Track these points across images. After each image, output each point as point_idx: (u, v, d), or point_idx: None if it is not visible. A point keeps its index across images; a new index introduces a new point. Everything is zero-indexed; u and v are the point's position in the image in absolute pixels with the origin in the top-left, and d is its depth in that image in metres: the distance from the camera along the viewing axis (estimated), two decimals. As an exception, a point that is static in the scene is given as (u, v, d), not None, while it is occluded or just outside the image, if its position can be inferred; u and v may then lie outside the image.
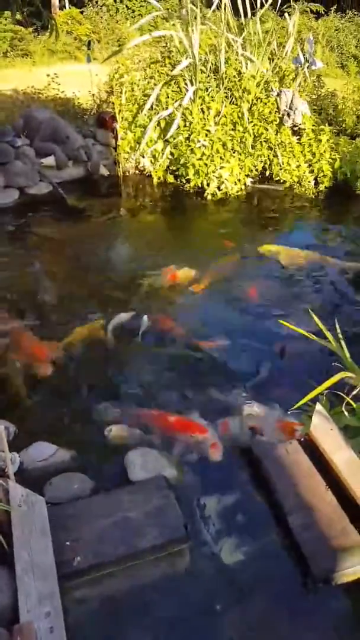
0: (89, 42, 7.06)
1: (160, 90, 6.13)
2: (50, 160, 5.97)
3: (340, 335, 2.48)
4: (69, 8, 11.76)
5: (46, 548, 1.95)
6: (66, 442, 2.76)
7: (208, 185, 6.09)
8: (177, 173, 6.30)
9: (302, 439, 2.68)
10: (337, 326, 2.52)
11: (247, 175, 6.35)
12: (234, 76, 6.32)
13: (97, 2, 11.38)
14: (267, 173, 6.57)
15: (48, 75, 7.14)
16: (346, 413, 2.42)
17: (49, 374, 3.28)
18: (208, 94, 6.22)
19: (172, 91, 6.24)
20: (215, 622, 2.09)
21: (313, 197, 6.40)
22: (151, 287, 4.40)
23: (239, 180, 6.23)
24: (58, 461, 2.64)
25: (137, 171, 6.59)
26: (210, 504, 2.52)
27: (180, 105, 5.96)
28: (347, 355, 2.36)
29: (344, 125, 6.85)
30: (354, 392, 2.30)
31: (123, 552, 2.20)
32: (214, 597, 2.17)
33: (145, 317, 3.80)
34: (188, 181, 6.17)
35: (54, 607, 1.77)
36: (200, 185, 6.14)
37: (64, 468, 2.63)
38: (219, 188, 6.13)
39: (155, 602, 2.14)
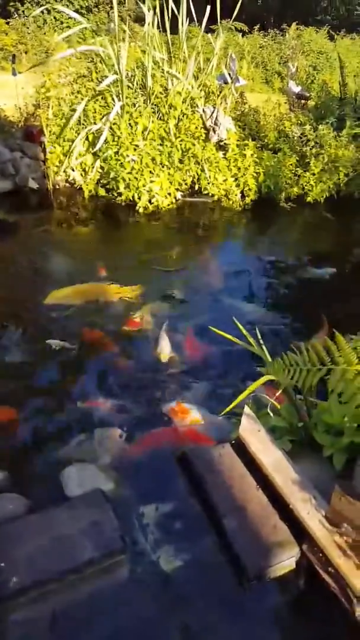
0: (14, 56, 6.96)
1: (87, 105, 6.17)
2: (-25, 175, 5.84)
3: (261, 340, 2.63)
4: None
5: (-21, 572, 1.91)
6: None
7: (139, 198, 6.18)
8: (108, 186, 6.35)
9: (233, 441, 2.79)
10: (257, 330, 2.68)
11: (177, 189, 6.51)
12: (161, 92, 6.48)
13: (23, 12, 11.24)
14: (197, 187, 6.77)
15: (-31, 89, 6.96)
16: (272, 414, 2.56)
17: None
18: (136, 110, 6.33)
19: (100, 106, 6.30)
20: (157, 629, 2.13)
21: (240, 209, 6.67)
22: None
23: (169, 194, 6.38)
24: (-9, 483, 2.60)
25: (67, 184, 6.57)
26: (147, 513, 2.55)
27: (107, 120, 6.03)
28: (269, 358, 2.51)
29: (266, 140, 7.20)
30: (277, 394, 2.44)
31: (61, 568, 2.19)
32: (154, 605, 2.21)
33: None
34: (119, 194, 6.23)
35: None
36: (131, 198, 6.21)
37: (-1, 489, 2.58)
38: (150, 201, 6.24)
39: (95, 614, 2.14)
